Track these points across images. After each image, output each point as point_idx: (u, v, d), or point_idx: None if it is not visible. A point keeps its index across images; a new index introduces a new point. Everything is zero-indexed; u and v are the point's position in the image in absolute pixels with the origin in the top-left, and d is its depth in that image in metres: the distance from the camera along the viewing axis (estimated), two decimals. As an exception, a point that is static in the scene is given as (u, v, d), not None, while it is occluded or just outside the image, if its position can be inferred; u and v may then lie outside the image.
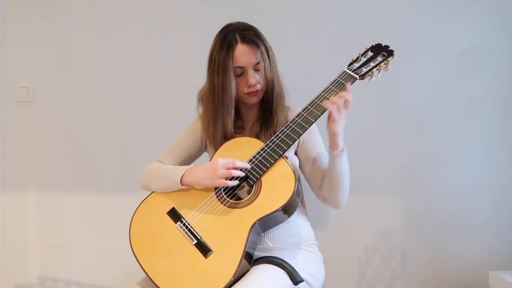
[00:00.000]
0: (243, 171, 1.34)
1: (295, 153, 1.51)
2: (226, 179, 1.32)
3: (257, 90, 1.46)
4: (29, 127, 2.11)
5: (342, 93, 1.33)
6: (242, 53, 1.43)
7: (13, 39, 2.11)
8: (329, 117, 1.33)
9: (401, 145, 1.99)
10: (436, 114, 1.99)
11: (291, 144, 1.34)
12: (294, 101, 1.54)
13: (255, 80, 1.44)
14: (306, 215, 1.55)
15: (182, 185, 1.38)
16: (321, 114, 1.34)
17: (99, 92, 2.09)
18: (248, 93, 1.46)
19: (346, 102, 1.32)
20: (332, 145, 1.36)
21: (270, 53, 1.46)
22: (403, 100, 1.99)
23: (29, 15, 2.10)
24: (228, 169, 1.32)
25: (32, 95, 2.10)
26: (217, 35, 1.47)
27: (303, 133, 1.34)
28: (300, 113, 1.36)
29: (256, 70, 1.45)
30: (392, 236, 2.00)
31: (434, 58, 1.99)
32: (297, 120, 1.36)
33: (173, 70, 2.06)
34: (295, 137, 1.34)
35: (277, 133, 1.37)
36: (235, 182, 1.34)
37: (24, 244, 2.10)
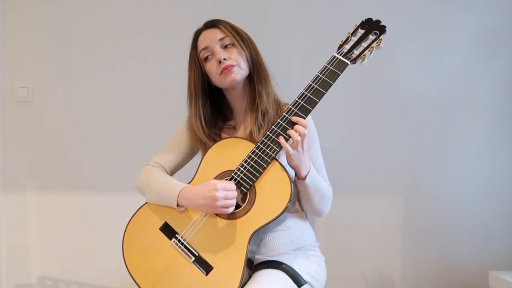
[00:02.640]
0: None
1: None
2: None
3: (230, 65, 1.34)
4: (29, 127, 2.10)
5: (297, 127, 1.23)
6: (204, 36, 1.40)
7: (13, 39, 2.11)
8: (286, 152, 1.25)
9: (401, 145, 1.99)
10: (437, 113, 1.99)
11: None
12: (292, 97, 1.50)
13: (223, 54, 1.35)
14: (306, 217, 1.51)
15: (178, 206, 1.31)
16: (313, 109, 1.25)
17: (99, 92, 2.08)
18: (221, 73, 1.35)
19: (301, 135, 1.23)
20: (296, 173, 1.30)
21: (242, 34, 1.40)
22: (403, 99, 1.99)
23: (29, 15, 2.10)
24: (229, 199, 1.23)
25: (32, 95, 2.10)
26: None
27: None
28: (290, 108, 1.26)
29: (225, 46, 1.38)
30: (392, 236, 2.00)
31: (435, 56, 1.98)
32: (287, 118, 1.26)
33: (174, 70, 2.05)
34: (286, 136, 1.25)
35: (267, 133, 1.27)
36: (232, 209, 1.25)
37: (24, 244, 2.10)
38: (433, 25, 1.98)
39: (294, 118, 1.25)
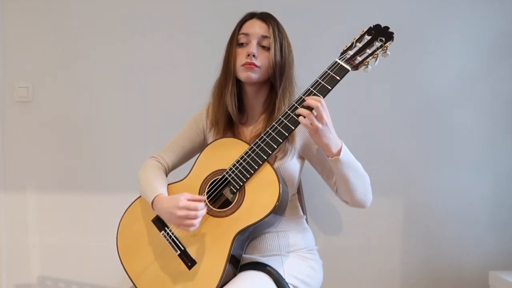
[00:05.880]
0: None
1: (300, 157, 1.43)
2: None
3: (254, 64, 1.36)
4: (29, 127, 2.10)
5: (308, 102, 1.21)
6: (251, 24, 1.41)
7: (13, 39, 2.11)
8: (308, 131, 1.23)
9: (401, 145, 1.99)
10: (437, 113, 1.99)
11: (276, 148, 1.26)
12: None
13: (255, 50, 1.37)
14: (306, 220, 1.51)
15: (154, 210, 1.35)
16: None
17: (99, 92, 2.08)
18: (243, 64, 1.37)
19: (318, 116, 1.20)
20: (325, 152, 1.27)
21: (284, 42, 1.41)
22: (404, 99, 1.99)
23: (29, 15, 2.10)
24: (189, 218, 1.24)
25: (32, 95, 2.10)
26: None
27: (289, 134, 1.25)
28: (286, 111, 1.26)
29: (262, 47, 1.39)
30: (392, 236, 2.00)
31: (442, 55, 1.98)
32: (283, 121, 1.26)
33: (174, 70, 2.06)
34: (280, 139, 1.25)
35: (262, 135, 1.28)
36: (196, 227, 1.26)
37: (24, 244, 2.10)
38: (439, 26, 1.98)
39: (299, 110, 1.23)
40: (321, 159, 1.39)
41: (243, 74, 1.39)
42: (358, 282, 2.01)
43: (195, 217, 1.24)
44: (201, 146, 1.53)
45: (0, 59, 2.10)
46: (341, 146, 1.26)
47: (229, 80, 1.42)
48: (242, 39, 1.40)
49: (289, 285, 1.31)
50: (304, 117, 1.21)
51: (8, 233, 2.11)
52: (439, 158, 1.99)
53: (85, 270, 2.08)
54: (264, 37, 1.39)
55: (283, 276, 1.30)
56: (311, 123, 1.20)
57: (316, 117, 1.20)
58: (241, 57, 1.39)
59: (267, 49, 1.39)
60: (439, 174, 1.99)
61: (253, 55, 1.37)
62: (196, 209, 1.24)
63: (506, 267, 1.95)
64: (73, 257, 2.09)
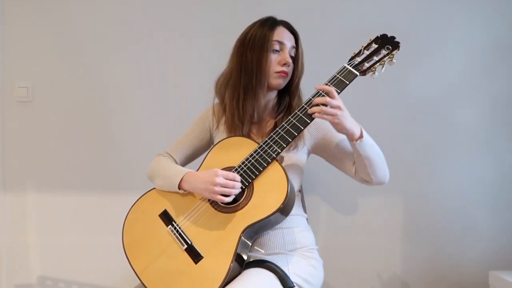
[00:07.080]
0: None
1: (309, 153, 1.47)
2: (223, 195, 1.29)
3: (287, 73, 1.42)
4: (29, 127, 2.10)
5: (325, 100, 1.25)
6: (284, 32, 1.44)
7: (13, 39, 2.11)
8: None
9: (402, 145, 1.99)
10: (438, 113, 1.99)
11: (285, 147, 1.30)
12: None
13: (290, 59, 1.42)
14: (307, 219, 1.52)
15: (179, 189, 1.36)
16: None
17: (99, 92, 2.08)
18: (278, 72, 1.41)
19: (332, 107, 1.25)
20: (349, 138, 1.32)
21: (303, 57, 1.47)
22: (404, 98, 1.99)
23: (29, 15, 2.10)
24: (227, 187, 1.27)
25: (32, 95, 2.10)
26: (254, 23, 1.47)
27: (298, 134, 1.30)
28: (296, 113, 1.31)
29: (290, 55, 1.43)
30: (392, 236, 2.00)
31: (440, 56, 1.98)
32: (292, 121, 1.31)
33: (175, 70, 2.06)
34: (289, 139, 1.30)
35: (271, 134, 1.32)
36: (231, 198, 1.29)
37: (24, 244, 2.10)
38: (439, 28, 1.98)
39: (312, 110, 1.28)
40: (341, 149, 1.42)
41: (276, 81, 1.43)
42: (358, 282, 2.01)
43: (232, 187, 1.27)
44: (208, 144, 1.55)
45: (0, 59, 2.11)
46: (361, 129, 1.32)
47: (264, 84, 1.42)
48: (276, 46, 1.42)
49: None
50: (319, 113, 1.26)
51: (8, 233, 2.11)
52: (439, 158, 1.99)
53: (85, 270, 2.08)
54: (293, 47, 1.45)
55: (288, 275, 1.31)
56: (328, 114, 1.25)
57: (330, 106, 1.25)
58: (274, 64, 1.42)
59: (294, 59, 1.45)
60: (439, 174, 1.99)
61: (288, 66, 1.42)
62: (234, 179, 1.29)
63: (506, 267, 1.95)
64: (73, 257, 2.09)
